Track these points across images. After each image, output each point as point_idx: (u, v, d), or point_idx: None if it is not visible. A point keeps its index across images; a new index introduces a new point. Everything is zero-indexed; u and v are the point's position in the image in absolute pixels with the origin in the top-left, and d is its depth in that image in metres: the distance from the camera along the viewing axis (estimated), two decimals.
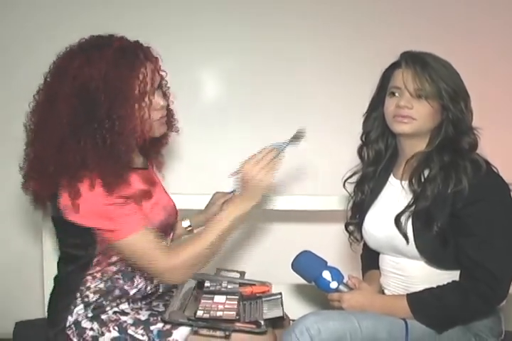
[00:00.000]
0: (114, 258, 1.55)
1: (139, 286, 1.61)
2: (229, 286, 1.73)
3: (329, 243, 2.06)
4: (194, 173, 2.35)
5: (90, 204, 1.44)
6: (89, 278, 1.55)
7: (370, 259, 1.75)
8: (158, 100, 1.53)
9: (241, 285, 1.74)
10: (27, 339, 1.76)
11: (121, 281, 1.58)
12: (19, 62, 2.28)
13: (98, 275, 1.56)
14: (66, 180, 1.44)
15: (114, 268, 1.57)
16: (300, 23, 2.36)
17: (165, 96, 1.60)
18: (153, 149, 1.72)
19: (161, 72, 1.55)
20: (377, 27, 2.37)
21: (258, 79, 2.38)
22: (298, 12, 2.37)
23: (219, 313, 1.52)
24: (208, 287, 1.71)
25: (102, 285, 1.56)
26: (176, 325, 1.52)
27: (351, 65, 2.36)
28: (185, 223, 1.88)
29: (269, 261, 2.16)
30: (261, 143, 2.03)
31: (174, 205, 1.71)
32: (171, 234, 1.72)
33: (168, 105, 1.61)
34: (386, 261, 1.64)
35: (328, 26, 2.38)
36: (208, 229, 1.54)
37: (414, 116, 1.53)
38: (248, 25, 2.37)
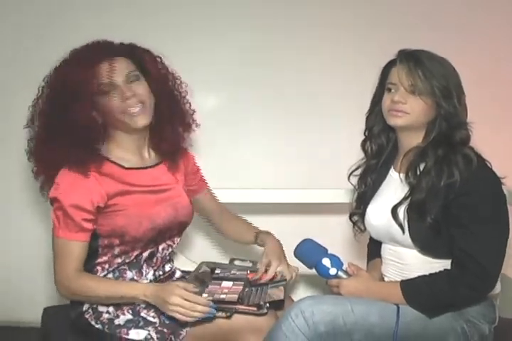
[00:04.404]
0: (117, 250, 1.65)
1: (149, 277, 1.70)
2: (238, 273, 1.80)
3: (336, 233, 2.13)
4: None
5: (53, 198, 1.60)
6: (99, 268, 1.66)
7: (374, 248, 1.81)
8: (122, 90, 1.59)
9: (251, 272, 1.80)
10: (55, 324, 1.81)
11: (128, 272, 1.68)
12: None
13: (106, 266, 1.66)
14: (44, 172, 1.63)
15: (119, 260, 1.66)
16: (310, 23, 2.42)
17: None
18: (165, 149, 1.75)
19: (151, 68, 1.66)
20: (386, 28, 2.42)
21: (264, 79, 2.44)
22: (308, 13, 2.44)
23: (222, 296, 1.60)
24: (217, 273, 1.79)
25: (110, 276, 1.66)
26: None
27: (360, 63, 2.40)
28: None
29: None
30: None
31: (189, 206, 1.78)
32: (180, 233, 1.79)
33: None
34: (386, 250, 1.71)
35: (338, 28, 2.44)
36: (113, 285, 1.59)
37: (407, 111, 1.58)
38: (252, 28, 2.43)
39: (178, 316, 1.47)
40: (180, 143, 1.79)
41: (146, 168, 1.71)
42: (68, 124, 1.57)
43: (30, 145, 1.65)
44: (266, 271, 1.72)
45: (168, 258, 1.79)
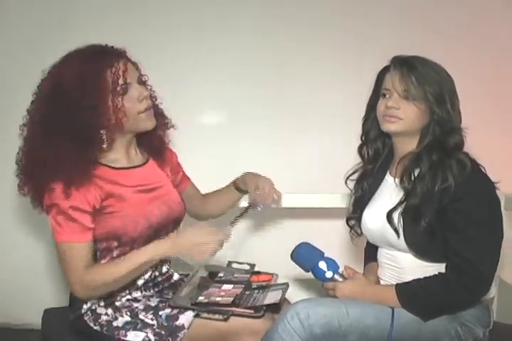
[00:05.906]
0: (115, 253, 1.67)
1: (146, 277, 1.72)
2: (240, 276, 1.83)
3: (333, 237, 2.14)
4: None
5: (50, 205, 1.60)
6: None
7: (371, 252, 1.83)
8: (139, 91, 1.63)
9: (252, 275, 1.84)
10: (55, 325, 1.84)
11: None
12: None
13: None
14: (41, 178, 1.60)
15: None
16: (312, 24, 2.47)
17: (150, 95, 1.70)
18: (154, 147, 1.81)
19: (142, 75, 1.68)
20: (386, 30, 2.46)
21: (264, 79, 2.48)
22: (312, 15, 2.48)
23: (218, 299, 1.63)
24: (220, 277, 1.82)
25: None
26: (181, 309, 1.63)
27: (360, 64, 2.44)
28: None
29: (278, 255, 2.24)
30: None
31: (180, 202, 1.81)
32: (175, 229, 1.79)
33: (154, 100, 1.72)
34: (382, 254, 1.73)
35: (341, 30, 2.49)
36: (129, 259, 1.61)
37: (401, 116, 1.60)
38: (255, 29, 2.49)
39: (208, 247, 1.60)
40: (165, 140, 1.86)
41: (134, 167, 1.74)
42: (72, 125, 1.58)
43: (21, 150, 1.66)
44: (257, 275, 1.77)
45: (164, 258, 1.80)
